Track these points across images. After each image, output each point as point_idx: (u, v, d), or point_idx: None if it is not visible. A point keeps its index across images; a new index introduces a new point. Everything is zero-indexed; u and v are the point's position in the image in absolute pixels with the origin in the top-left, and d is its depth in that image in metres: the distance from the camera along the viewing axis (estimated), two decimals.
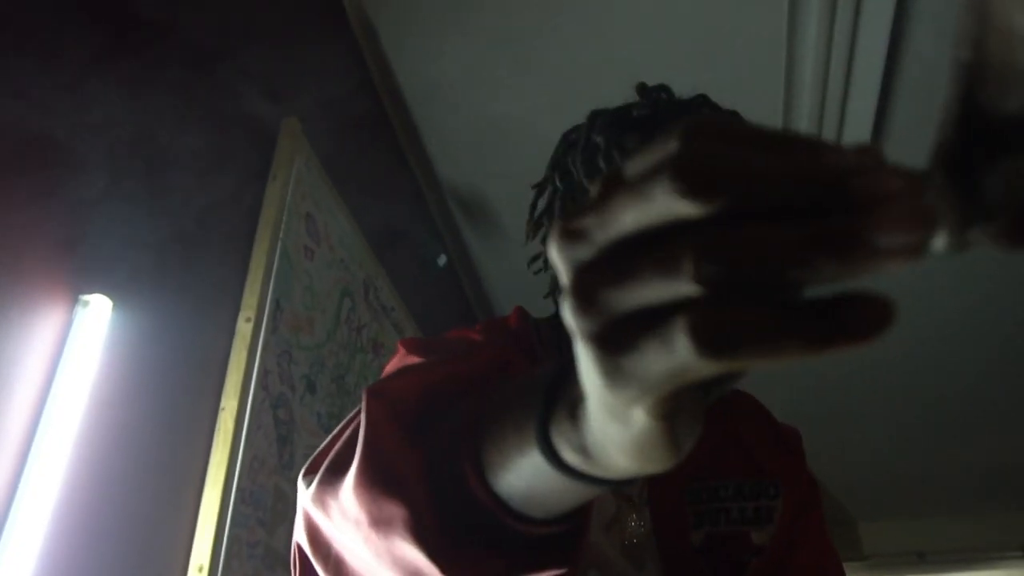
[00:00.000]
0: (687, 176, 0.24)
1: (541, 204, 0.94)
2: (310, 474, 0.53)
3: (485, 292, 3.26)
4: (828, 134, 2.40)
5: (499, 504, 0.43)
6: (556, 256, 0.28)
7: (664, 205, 0.25)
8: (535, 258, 0.96)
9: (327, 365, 1.83)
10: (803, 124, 2.39)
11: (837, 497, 4.66)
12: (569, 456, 0.36)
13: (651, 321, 0.25)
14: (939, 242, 0.26)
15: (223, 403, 1.46)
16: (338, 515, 0.50)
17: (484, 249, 3.01)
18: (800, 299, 0.24)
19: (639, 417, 0.29)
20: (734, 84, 2.29)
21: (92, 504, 1.15)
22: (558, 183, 0.91)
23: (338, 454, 0.53)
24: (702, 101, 0.91)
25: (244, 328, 1.54)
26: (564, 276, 0.28)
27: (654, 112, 0.86)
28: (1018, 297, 3.09)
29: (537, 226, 0.94)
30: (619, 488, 0.80)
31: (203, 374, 1.45)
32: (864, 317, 0.24)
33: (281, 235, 1.69)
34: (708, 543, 0.80)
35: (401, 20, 2.22)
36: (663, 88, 0.94)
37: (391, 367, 0.78)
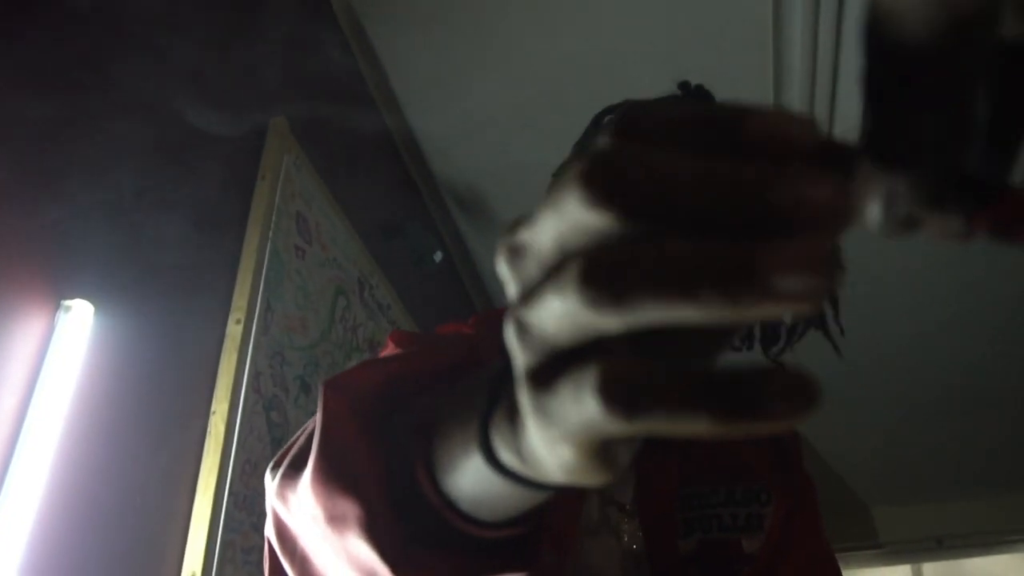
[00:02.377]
0: (592, 183, 0.22)
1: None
2: (276, 468, 0.52)
3: (484, 286, 3.24)
4: (819, 117, 2.37)
5: (448, 506, 0.42)
6: (501, 274, 0.26)
7: (573, 217, 0.22)
8: None
9: (322, 365, 1.82)
10: (793, 106, 2.36)
11: (851, 484, 4.63)
12: (507, 458, 0.33)
13: (579, 362, 0.24)
14: (873, 217, 0.25)
15: (214, 407, 1.45)
16: (298, 510, 0.49)
17: (482, 243, 2.99)
18: (722, 366, 0.23)
19: (564, 451, 0.27)
20: (722, 72, 2.27)
21: (78, 513, 1.14)
22: None
23: (300, 448, 0.51)
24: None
25: (234, 330, 1.53)
26: (508, 296, 0.26)
27: None
28: None
29: None
30: (607, 492, 0.78)
31: (193, 377, 1.44)
32: (782, 397, 0.21)
33: (271, 235, 1.67)
34: (700, 551, 0.78)
35: (389, 14, 2.21)
36: (702, 90, 0.91)
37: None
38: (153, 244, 1.39)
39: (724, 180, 0.22)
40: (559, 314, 0.23)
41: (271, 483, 0.52)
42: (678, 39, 2.22)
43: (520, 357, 0.26)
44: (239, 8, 1.77)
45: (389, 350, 0.75)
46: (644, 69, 2.26)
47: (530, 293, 0.24)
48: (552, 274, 0.23)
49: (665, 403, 0.22)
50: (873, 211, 0.25)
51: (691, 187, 0.22)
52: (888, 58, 0.22)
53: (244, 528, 1.41)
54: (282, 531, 0.53)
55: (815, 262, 0.21)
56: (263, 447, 1.52)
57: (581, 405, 0.23)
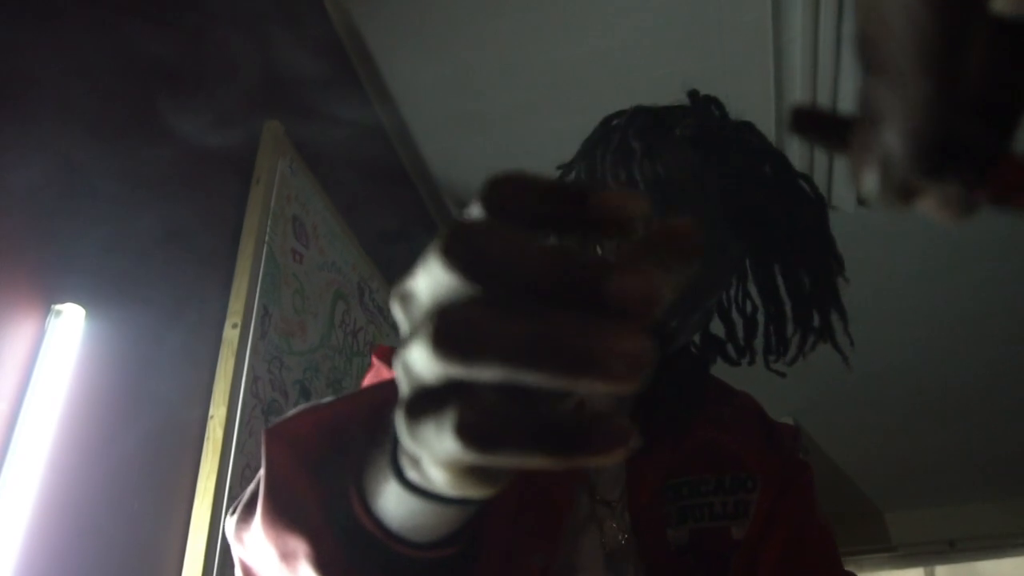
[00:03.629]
0: (447, 251, 0.26)
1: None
2: (232, 513, 0.56)
3: None
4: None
5: (382, 529, 0.45)
6: (395, 317, 0.30)
7: (437, 276, 0.27)
8: None
9: (322, 370, 1.80)
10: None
11: (864, 489, 4.61)
12: (412, 476, 0.38)
13: (444, 400, 0.27)
14: (869, 184, 0.26)
15: (212, 411, 1.43)
16: (254, 550, 0.53)
17: None
18: (565, 412, 0.28)
19: (439, 473, 0.30)
20: (723, 71, 2.25)
21: (73, 521, 1.12)
22: (583, 173, 0.87)
23: (251, 493, 0.55)
24: (748, 127, 0.87)
25: (230, 335, 1.51)
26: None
27: (697, 133, 0.81)
28: None
29: None
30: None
31: (189, 382, 1.42)
32: (604, 438, 0.26)
33: (267, 239, 1.66)
34: (693, 539, 0.78)
35: (384, 15, 2.20)
36: (714, 101, 0.89)
37: (368, 381, 0.80)
38: (146, 248, 1.37)
39: (556, 265, 0.26)
40: (422, 361, 0.26)
41: (230, 528, 0.56)
42: (679, 39, 2.21)
43: (402, 390, 0.29)
44: (233, 10, 1.76)
45: (376, 369, 0.80)
46: (645, 69, 2.25)
47: (408, 337, 0.28)
48: (419, 325, 0.27)
49: (511, 444, 0.26)
50: (869, 178, 0.26)
51: (531, 265, 0.26)
52: (879, 23, 0.25)
53: None
54: (246, 570, 0.57)
55: (634, 347, 0.25)
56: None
57: (442, 441, 0.27)
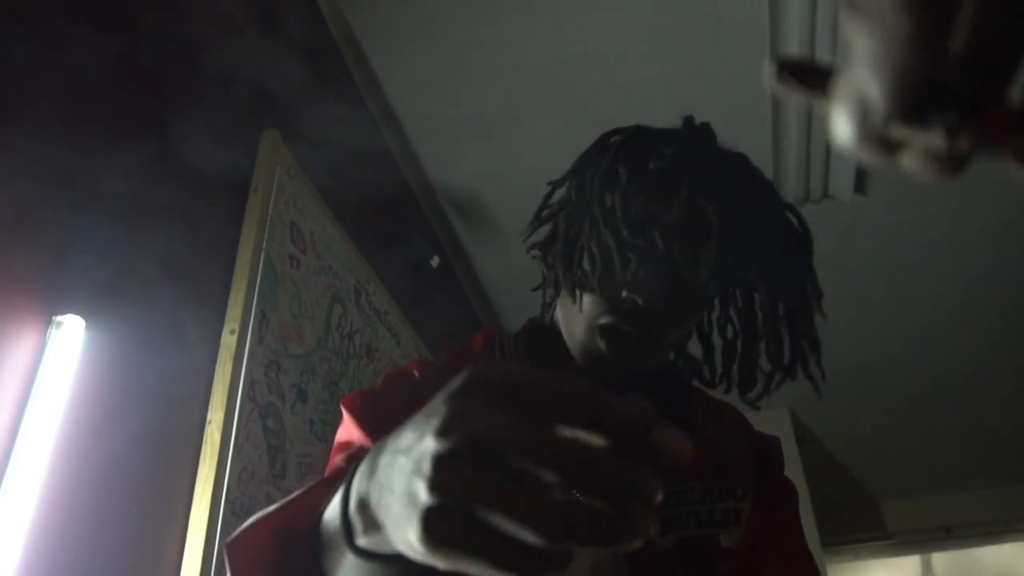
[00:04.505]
0: (440, 433, 0.37)
1: (553, 201, 0.92)
2: None
3: (485, 291, 3.25)
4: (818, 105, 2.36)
5: None
6: None
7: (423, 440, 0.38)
8: (533, 246, 0.93)
9: (318, 373, 1.83)
10: (792, 105, 2.36)
11: (859, 477, 4.63)
12: (363, 541, 0.45)
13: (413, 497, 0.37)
14: (844, 131, 0.25)
15: (209, 416, 1.46)
16: None
17: (481, 247, 3.00)
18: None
19: (408, 548, 0.38)
20: (719, 72, 2.27)
21: (73, 527, 1.15)
22: (573, 192, 0.88)
23: None
24: (738, 158, 0.87)
25: (228, 340, 1.54)
26: None
27: (673, 163, 0.81)
28: None
29: (539, 222, 0.92)
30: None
31: (187, 388, 1.45)
32: (541, 565, 0.35)
33: (264, 245, 1.69)
34: (680, 548, 0.78)
35: (381, 21, 2.22)
36: (705, 129, 0.90)
37: (339, 435, 0.82)
38: (144, 257, 1.40)
39: (536, 450, 0.35)
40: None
41: None
42: (676, 41, 2.22)
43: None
44: (229, 19, 1.78)
45: (346, 424, 0.82)
46: (643, 73, 2.26)
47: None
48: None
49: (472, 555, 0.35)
50: (844, 124, 0.25)
51: (523, 445, 0.35)
52: None
53: None
54: None
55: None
56: (260, 454, 1.53)
57: (405, 535, 0.37)
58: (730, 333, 0.87)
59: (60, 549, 1.12)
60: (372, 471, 0.43)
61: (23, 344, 1.14)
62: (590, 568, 0.77)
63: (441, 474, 0.36)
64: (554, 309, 0.90)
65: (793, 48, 2.22)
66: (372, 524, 0.43)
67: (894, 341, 3.53)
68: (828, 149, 2.57)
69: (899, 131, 0.25)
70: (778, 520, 0.85)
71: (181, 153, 1.53)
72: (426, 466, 0.36)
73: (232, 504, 1.41)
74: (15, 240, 1.15)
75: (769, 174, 2.72)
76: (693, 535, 0.79)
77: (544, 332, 0.91)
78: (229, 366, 1.51)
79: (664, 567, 0.77)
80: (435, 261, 2.41)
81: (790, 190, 2.78)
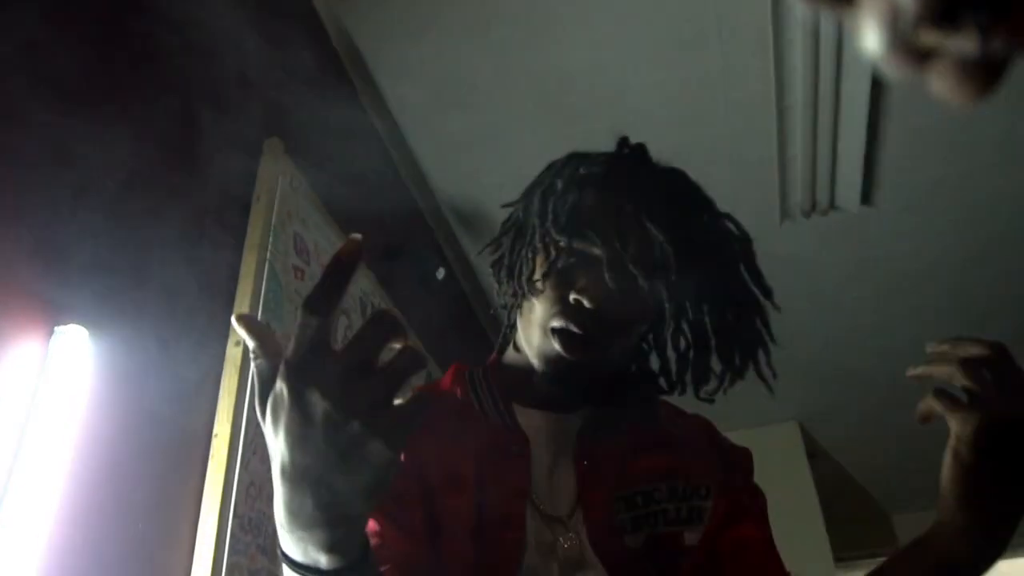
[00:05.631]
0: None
1: (508, 221, 0.99)
2: None
3: (488, 302, 3.23)
4: (824, 116, 2.35)
5: None
6: None
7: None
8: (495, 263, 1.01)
9: None
10: (797, 108, 2.34)
11: (871, 492, 4.59)
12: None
13: None
14: (874, 41, 0.24)
15: (216, 429, 1.43)
16: None
17: (485, 258, 2.98)
18: None
19: None
20: (723, 84, 2.26)
21: (78, 542, 1.12)
22: (520, 212, 0.96)
23: None
24: (672, 172, 0.95)
25: (234, 352, 1.51)
26: None
27: (605, 171, 0.91)
28: None
29: (497, 243, 1.01)
30: None
31: (192, 401, 1.43)
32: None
33: (268, 256, 1.66)
34: (648, 545, 0.83)
35: (382, 30, 2.21)
36: (639, 149, 0.97)
37: None
38: (148, 268, 1.38)
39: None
40: None
41: None
42: (680, 53, 2.21)
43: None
44: (230, 28, 1.77)
45: None
46: (646, 84, 2.25)
47: None
48: None
49: None
50: (873, 34, 0.23)
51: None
52: None
53: (251, 550, 1.39)
54: None
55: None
56: (267, 468, 1.49)
57: None
58: (683, 345, 0.92)
59: (64, 565, 1.08)
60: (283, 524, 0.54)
61: (26, 354, 1.11)
62: (559, 567, 0.80)
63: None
64: (515, 331, 0.95)
65: (796, 59, 2.21)
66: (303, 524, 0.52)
67: (903, 354, 3.50)
68: (834, 160, 2.55)
69: (929, 37, 0.23)
70: (747, 524, 0.89)
71: (184, 161, 1.52)
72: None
73: (240, 519, 1.38)
74: (17, 249, 1.13)
75: (775, 186, 2.75)
76: (662, 532, 0.83)
77: (510, 357, 0.97)
78: (235, 378, 1.48)
79: (635, 565, 0.81)
80: (440, 273, 2.39)
81: (796, 202, 2.77)
